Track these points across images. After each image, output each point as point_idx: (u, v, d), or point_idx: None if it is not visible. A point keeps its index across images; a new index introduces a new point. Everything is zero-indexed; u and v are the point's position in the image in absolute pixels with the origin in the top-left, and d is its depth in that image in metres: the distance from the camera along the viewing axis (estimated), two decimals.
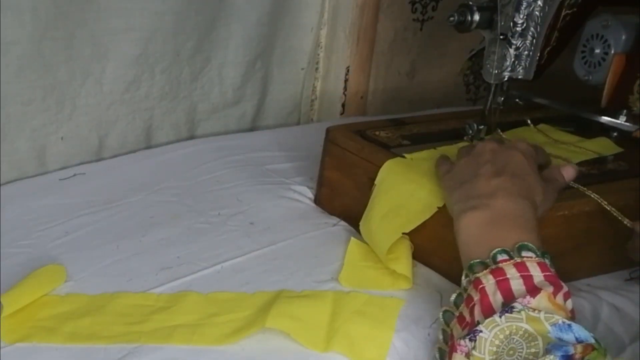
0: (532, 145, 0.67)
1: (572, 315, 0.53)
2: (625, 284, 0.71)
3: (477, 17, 0.72)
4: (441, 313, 0.57)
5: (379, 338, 0.60)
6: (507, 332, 0.50)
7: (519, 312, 0.50)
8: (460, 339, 0.52)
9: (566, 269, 0.69)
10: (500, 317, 0.51)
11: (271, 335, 0.59)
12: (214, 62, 1.05)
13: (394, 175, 0.73)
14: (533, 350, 0.49)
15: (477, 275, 0.54)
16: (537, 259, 0.54)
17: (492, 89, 0.76)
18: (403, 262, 0.68)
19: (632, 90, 0.85)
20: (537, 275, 0.53)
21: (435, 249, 0.70)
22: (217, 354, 0.58)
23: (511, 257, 0.54)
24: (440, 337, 0.56)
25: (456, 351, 0.52)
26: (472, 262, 0.56)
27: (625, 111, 0.84)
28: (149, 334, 0.60)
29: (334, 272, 0.69)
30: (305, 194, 0.86)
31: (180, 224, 0.78)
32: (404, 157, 0.75)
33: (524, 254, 0.54)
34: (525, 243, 0.55)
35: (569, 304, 0.53)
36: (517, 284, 0.53)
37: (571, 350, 0.47)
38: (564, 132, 0.86)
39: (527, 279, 0.53)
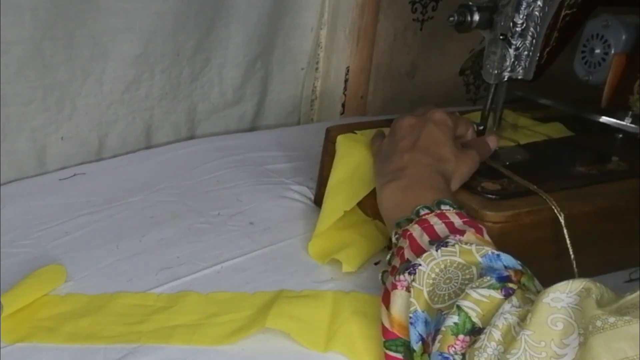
0: (452, 115, 0.72)
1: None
2: (625, 284, 0.71)
3: (477, 17, 0.72)
4: (380, 275, 0.60)
5: (379, 338, 0.59)
6: (443, 266, 0.53)
7: (452, 245, 0.53)
8: (399, 274, 0.54)
9: (566, 269, 0.69)
10: (436, 250, 0.53)
11: (271, 335, 0.59)
12: (214, 62, 1.05)
13: (344, 149, 0.76)
14: (468, 276, 0.51)
15: (405, 227, 0.59)
16: (455, 210, 0.59)
17: (492, 89, 0.76)
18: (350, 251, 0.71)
19: (632, 90, 0.85)
20: (457, 221, 0.57)
21: None
22: (217, 354, 0.58)
23: (432, 211, 0.59)
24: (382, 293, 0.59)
25: (396, 287, 0.54)
26: (398, 220, 0.60)
27: (630, 112, 0.84)
28: (148, 334, 0.60)
29: (334, 272, 0.69)
30: (305, 194, 0.86)
31: (180, 224, 0.78)
32: (355, 133, 0.78)
33: (442, 207, 0.59)
34: (443, 199, 0.60)
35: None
36: (440, 228, 0.57)
37: (505, 273, 0.50)
38: (523, 116, 0.89)
39: (449, 224, 0.57)
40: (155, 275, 0.68)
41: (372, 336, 0.60)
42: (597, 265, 0.70)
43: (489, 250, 0.53)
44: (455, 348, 0.47)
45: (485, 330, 0.46)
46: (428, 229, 0.57)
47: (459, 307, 0.48)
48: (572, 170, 0.77)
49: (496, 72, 0.74)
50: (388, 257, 0.60)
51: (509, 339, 0.44)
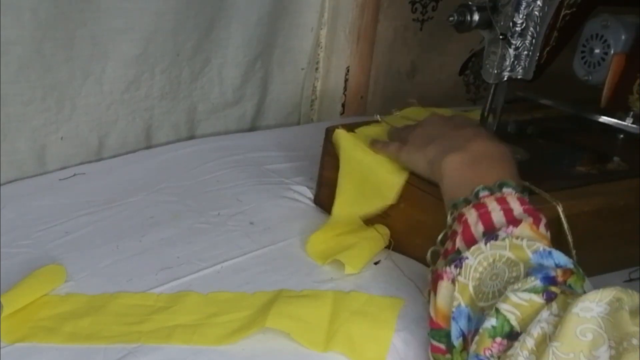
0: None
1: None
2: (625, 284, 0.71)
3: (476, 17, 0.72)
4: (428, 253, 0.59)
5: (379, 338, 0.60)
6: (491, 260, 0.52)
7: (503, 239, 0.52)
8: (445, 266, 0.53)
9: None
10: (485, 244, 0.52)
11: (271, 335, 0.59)
12: (214, 62, 1.05)
13: (348, 145, 0.76)
14: (514, 274, 0.50)
15: (461, 210, 0.57)
16: (517, 194, 0.56)
17: (492, 89, 0.76)
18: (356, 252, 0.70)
19: (632, 90, 0.85)
20: (517, 208, 0.55)
21: None
22: (217, 354, 0.58)
23: (492, 193, 0.57)
24: (429, 277, 0.58)
25: (442, 279, 0.53)
26: (456, 201, 0.58)
27: (632, 113, 0.84)
28: (148, 334, 0.60)
29: (334, 272, 0.69)
30: (305, 194, 0.86)
31: (180, 224, 0.78)
32: (354, 132, 0.78)
33: (504, 190, 0.57)
34: (506, 181, 0.57)
35: (548, 234, 0.55)
36: (498, 216, 0.55)
37: (552, 273, 0.49)
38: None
39: (508, 211, 0.55)
40: (155, 275, 0.68)
41: (372, 336, 0.60)
42: (597, 265, 0.70)
43: (541, 246, 0.51)
44: (491, 351, 0.47)
45: (519, 338, 0.45)
46: (484, 215, 0.55)
47: (497, 310, 0.47)
48: (572, 170, 0.77)
49: (496, 72, 0.74)
50: (440, 236, 0.59)
51: (542, 349, 0.44)
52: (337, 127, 0.79)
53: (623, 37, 0.85)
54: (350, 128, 0.81)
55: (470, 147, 0.61)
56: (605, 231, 0.70)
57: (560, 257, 0.51)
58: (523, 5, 0.70)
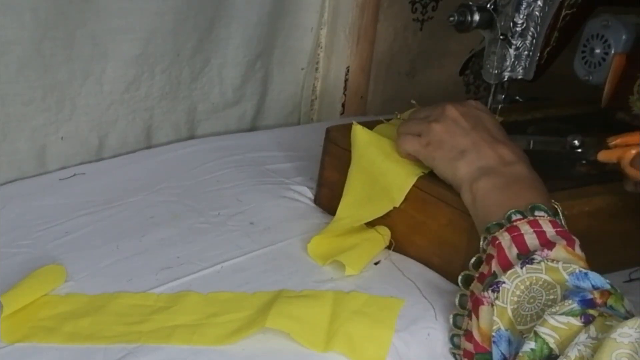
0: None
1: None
2: (625, 284, 0.71)
3: (477, 17, 0.72)
4: (461, 277, 0.59)
5: (379, 338, 0.60)
6: (528, 283, 0.52)
7: (538, 263, 0.52)
8: (483, 290, 0.54)
9: None
10: (521, 268, 0.53)
11: (271, 335, 0.59)
12: (214, 62, 1.05)
13: (362, 143, 0.75)
14: (552, 297, 0.51)
15: (494, 234, 0.57)
16: (549, 217, 0.57)
17: (492, 89, 0.76)
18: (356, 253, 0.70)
19: (632, 90, 0.85)
20: (550, 231, 0.56)
21: (435, 249, 0.70)
22: (217, 354, 0.58)
23: (525, 217, 0.57)
24: (456, 301, 0.59)
25: (482, 303, 0.53)
26: (489, 224, 0.59)
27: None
28: (149, 334, 0.60)
29: (334, 272, 0.69)
30: (305, 194, 0.86)
31: (180, 224, 0.78)
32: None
33: (536, 213, 0.57)
34: (538, 204, 0.58)
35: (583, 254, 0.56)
36: (531, 238, 0.55)
37: (589, 296, 0.49)
38: None
39: (540, 234, 0.56)
40: (155, 275, 0.68)
41: (372, 336, 0.60)
42: (597, 265, 0.70)
43: (577, 268, 0.52)
44: None
45: None
46: (517, 238, 0.56)
47: (536, 334, 0.48)
48: (572, 170, 0.77)
49: (496, 72, 0.74)
50: (473, 260, 0.59)
51: None
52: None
53: (624, 37, 0.85)
54: (369, 126, 0.81)
55: (505, 171, 0.62)
56: (605, 231, 0.69)
57: (596, 279, 0.51)
58: (523, 6, 0.71)
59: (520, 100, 0.87)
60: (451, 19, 0.73)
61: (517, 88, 0.81)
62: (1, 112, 0.84)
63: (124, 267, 0.70)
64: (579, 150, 0.71)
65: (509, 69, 0.73)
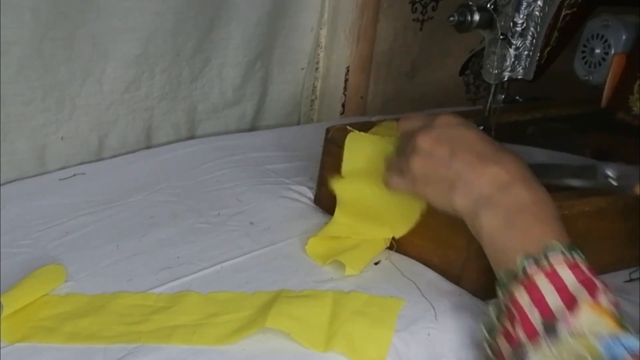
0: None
1: (617, 307, 0.52)
2: (625, 284, 0.71)
3: (477, 17, 0.72)
4: (484, 329, 0.55)
5: (379, 338, 0.60)
6: (559, 358, 0.49)
7: (565, 337, 0.49)
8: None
9: None
10: (547, 343, 0.50)
11: (271, 335, 0.59)
12: (214, 62, 1.05)
13: (354, 149, 0.73)
14: None
15: (511, 289, 0.53)
16: (565, 258, 0.52)
17: (492, 89, 0.76)
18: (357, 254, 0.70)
19: (632, 90, 0.85)
20: (570, 280, 0.52)
21: (435, 249, 0.70)
22: (217, 354, 0.58)
23: (539, 264, 0.52)
24: (487, 350, 0.55)
25: None
26: (501, 273, 0.55)
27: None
28: (149, 334, 0.60)
29: (334, 272, 0.69)
30: (305, 194, 0.86)
31: (180, 224, 0.78)
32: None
33: (551, 257, 0.52)
34: (551, 243, 0.53)
35: (610, 296, 0.52)
36: (552, 298, 0.51)
37: None
38: None
39: (562, 290, 0.51)
40: (155, 275, 0.68)
41: (372, 336, 0.60)
42: (597, 266, 0.70)
43: (606, 335, 0.48)
44: None
45: None
46: (538, 299, 0.51)
47: None
48: None
49: (496, 72, 0.74)
50: (493, 307, 0.55)
51: None
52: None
53: (624, 37, 0.85)
54: (355, 128, 0.81)
55: (503, 201, 0.55)
56: (605, 231, 0.69)
57: (629, 341, 0.49)
58: (523, 5, 0.70)
59: (520, 100, 0.87)
60: (451, 19, 0.73)
61: (517, 88, 0.81)
62: (1, 112, 0.84)
63: (124, 267, 0.70)
64: (614, 183, 0.61)
65: (509, 69, 0.73)
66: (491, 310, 0.55)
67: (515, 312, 0.53)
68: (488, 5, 0.72)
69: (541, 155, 0.63)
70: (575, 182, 0.62)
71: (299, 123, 1.21)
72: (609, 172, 0.60)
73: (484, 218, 0.56)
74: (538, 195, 0.56)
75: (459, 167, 0.58)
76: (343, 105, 1.21)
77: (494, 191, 0.56)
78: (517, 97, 0.86)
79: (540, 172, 0.60)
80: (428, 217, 0.69)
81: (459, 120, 0.61)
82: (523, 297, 0.52)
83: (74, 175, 0.90)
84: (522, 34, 0.72)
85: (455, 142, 0.59)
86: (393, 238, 0.73)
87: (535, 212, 0.55)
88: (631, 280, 0.71)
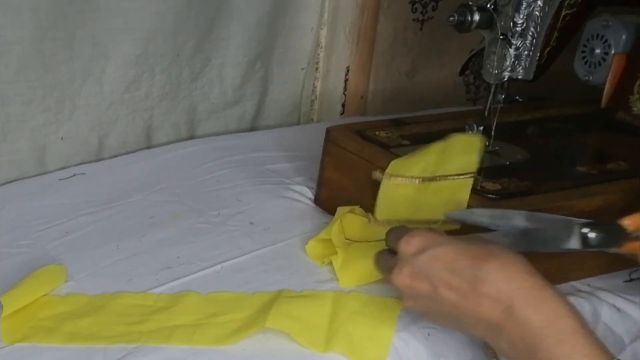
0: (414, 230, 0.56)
1: None
2: (625, 284, 0.71)
3: (477, 17, 0.72)
4: None
5: (379, 338, 0.60)
6: None
7: None
8: None
9: (566, 268, 0.69)
10: None
11: (271, 335, 0.59)
12: (214, 62, 1.05)
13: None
14: None
15: None
16: None
17: (492, 89, 0.76)
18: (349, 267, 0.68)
19: (632, 90, 0.85)
20: None
21: None
22: (217, 354, 0.58)
23: None
24: None
25: None
26: None
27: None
28: (149, 334, 0.60)
29: (334, 272, 0.69)
30: (305, 194, 0.86)
31: (180, 224, 0.78)
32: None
33: None
34: None
35: None
36: None
37: None
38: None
39: None
40: (155, 275, 0.68)
41: (372, 336, 0.60)
42: (597, 265, 0.71)
43: None
44: None
45: None
46: None
47: None
48: (572, 170, 0.77)
49: (496, 72, 0.74)
50: None
51: None
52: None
53: (624, 37, 0.85)
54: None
55: (515, 331, 0.49)
56: None
57: None
58: (523, 6, 0.70)
59: (520, 100, 0.87)
60: (451, 19, 0.73)
61: (517, 88, 0.81)
62: (1, 112, 0.84)
63: (124, 267, 0.70)
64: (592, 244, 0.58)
65: (509, 69, 0.73)
66: None
67: None
68: (488, 5, 0.72)
69: (519, 217, 0.62)
70: (555, 249, 0.61)
71: (299, 123, 1.21)
72: (588, 235, 0.57)
73: (503, 345, 0.50)
74: (546, 313, 0.49)
75: (450, 300, 0.52)
76: (343, 105, 1.21)
77: (499, 320, 0.50)
78: (517, 97, 0.86)
79: (521, 243, 0.58)
80: None
81: (426, 239, 0.54)
82: None
83: (74, 175, 0.90)
84: (522, 34, 0.72)
85: (431, 272, 0.53)
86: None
87: (550, 334, 0.48)
88: (631, 280, 0.71)
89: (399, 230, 0.57)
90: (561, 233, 0.58)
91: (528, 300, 0.49)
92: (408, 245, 0.54)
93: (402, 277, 0.54)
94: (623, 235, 0.57)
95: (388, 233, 0.58)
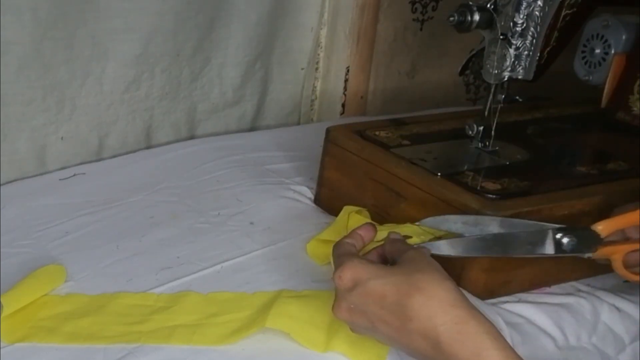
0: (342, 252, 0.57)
1: None
2: (625, 284, 0.71)
3: (477, 17, 0.72)
4: None
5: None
6: None
7: None
8: None
9: (566, 268, 0.69)
10: None
11: (271, 335, 0.59)
12: (214, 62, 1.05)
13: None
14: None
15: None
16: None
17: (492, 89, 0.76)
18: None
19: (632, 90, 0.85)
20: None
21: None
22: (217, 354, 0.58)
23: None
24: None
25: None
26: None
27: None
28: (149, 334, 0.60)
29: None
30: (305, 194, 0.86)
31: (180, 224, 0.78)
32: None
33: None
34: None
35: None
36: None
37: None
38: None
39: None
40: (155, 275, 0.68)
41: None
42: (597, 265, 0.70)
43: None
44: None
45: None
46: None
47: None
48: (572, 170, 0.77)
49: (496, 72, 0.74)
50: None
51: None
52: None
53: (624, 37, 0.85)
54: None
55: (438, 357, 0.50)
56: None
57: None
58: (523, 5, 0.70)
59: (520, 100, 0.87)
60: (451, 19, 0.73)
61: (517, 88, 0.81)
62: (1, 112, 0.84)
63: (124, 267, 0.70)
64: (566, 250, 0.59)
65: (509, 69, 0.73)
66: None
67: None
68: (488, 5, 0.72)
69: (492, 223, 0.61)
70: (528, 253, 0.60)
71: (299, 123, 1.21)
72: (562, 240, 0.59)
73: None
74: (471, 349, 0.49)
75: (388, 334, 0.53)
76: (343, 105, 1.21)
77: (431, 354, 0.51)
78: (517, 97, 0.86)
79: (493, 248, 0.59)
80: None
81: (356, 272, 0.54)
82: None
83: (74, 175, 0.90)
84: (522, 34, 0.72)
85: (365, 308, 0.53)
86: None
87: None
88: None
89: (337, 259, 0.57)
90: (535, 238, 0.59)
91: (452, 336, 0.49)
92: (341, 281, 0.54)
93: (341, 312, 0.55)
94: (597, 241, 0.58)
95: (332, 253, 0.58)
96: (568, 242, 0.58)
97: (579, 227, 0.59)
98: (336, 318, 0.56)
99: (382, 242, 0.61)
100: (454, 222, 0.62)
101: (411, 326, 0.51)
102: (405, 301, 0.51)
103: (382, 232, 0.63)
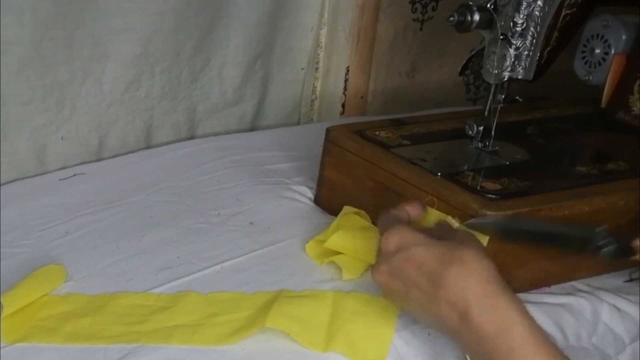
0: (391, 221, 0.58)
1: None
2: (625, 284, 0.71)
3: (477, 17, 0.72)
4: None
5: (379, 338, 0.60)
6: None
7: None
8: None
9: (567, 268, 0.69)
10: None
11: (271, 335, 0.59)
12: (214, 62, 1.05)
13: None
14: None
15: None
16: None
17: (492, 89, 0.76)
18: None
19: (632, 90, 0.85)
20: None
21: None
22: (217, 354, 0.58)
23: None
24: None
25: None
26: None
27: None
28: (149, 334, 0.60)
29: (334, 272, 0.69)
30: (305, 194, 0.86)
31: (180, 224, 0.78)
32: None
33: None
34: None
35: None
36: None
37: None
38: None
39: None
40: (155, 275, 0.68)
41: (372, 336, 0.60)
42: (597, 265, 0.71)
43: None
44: None
45: None
46: None
47: None
48: (572, 170, 0.77)
49: (496, 72, 0.74)
50: None
51: None
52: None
53: (624, 37, 0.85)
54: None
55: (467, 338, 0.51)
56: None
57: None
58: (523, 5, 0.70)
59: (520, 100, 0.87)
60: (451, 19, 0.73)
61: (517, 88, 0.81)
62: (1, 112, 0.84)
63: (124, 267, 0.70)
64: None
65: (509, 69, 0.73)
66: None
67: None
68: (488, 5, 0.72)
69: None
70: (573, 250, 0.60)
71: (299, 123, 1.21)
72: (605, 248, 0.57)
73: (463, 347, 0.53)
74: (498, 322, 0.50)
75: (418, 301, 0.54)
76: (343, 105, 1.21)
77: (456, 324, 0.52)
78: (517, 97, 0.86)
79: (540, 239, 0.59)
80: None
81: (403, 238, 0.55)
82: None
83: (74, 175, 0.90)
84: (522, 34, 0.72)
85: (404, 273, 0.54)
86: None
87: (501, 342, 0.50)
88: (631, 280, 0.71)
89: (384, 222, 0.58)
90: (578, 238, 0.59)
91: (482, 309, 0.50)
92: (387, 243, 0.55)
93: (380, 274, 0.56)
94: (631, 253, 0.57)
95: (379, 220, 0.60)
96: (610, 245, 0.57)
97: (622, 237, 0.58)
98: (373, 280, 0.57)
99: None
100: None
101: (442, 294, 0.51)
102: (443, 270, 0.52)
103: (429, 216, 0.64)
